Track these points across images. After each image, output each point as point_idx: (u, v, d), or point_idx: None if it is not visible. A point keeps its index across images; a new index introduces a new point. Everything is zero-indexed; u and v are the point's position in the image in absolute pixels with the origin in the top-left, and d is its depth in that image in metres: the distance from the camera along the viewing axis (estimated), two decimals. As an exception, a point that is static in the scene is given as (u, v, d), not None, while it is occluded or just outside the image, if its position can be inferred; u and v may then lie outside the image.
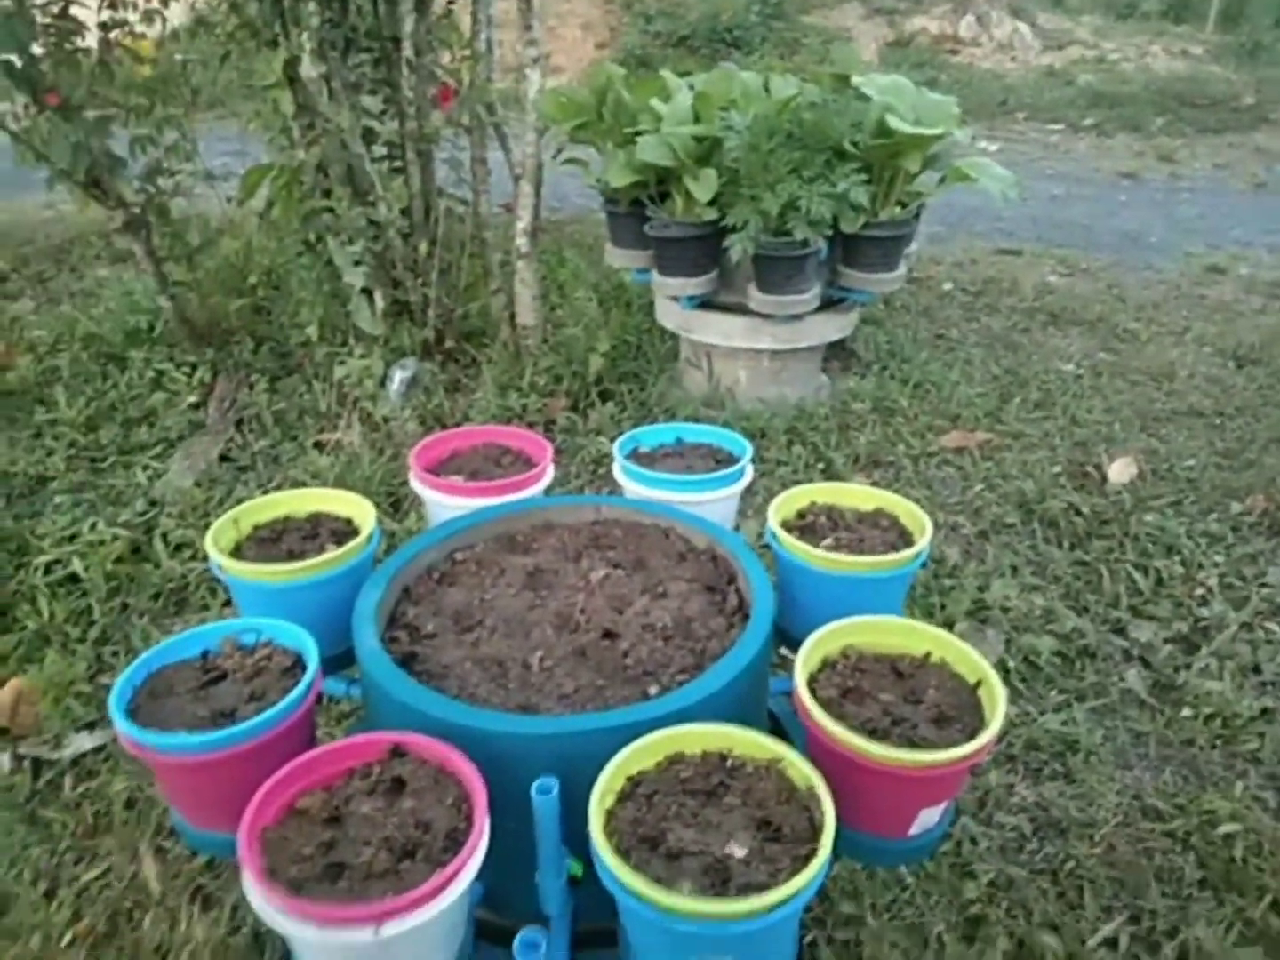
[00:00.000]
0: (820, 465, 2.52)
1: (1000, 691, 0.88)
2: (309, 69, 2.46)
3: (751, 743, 0.82)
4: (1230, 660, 1.87)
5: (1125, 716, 1.76)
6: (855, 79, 2.45)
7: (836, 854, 0.75)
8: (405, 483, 2.38)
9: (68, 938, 1.34)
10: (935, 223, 5.02)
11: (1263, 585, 2.09)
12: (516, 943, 0.72)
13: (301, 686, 0.86)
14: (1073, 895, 1.41)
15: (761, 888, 0.70)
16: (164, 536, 2.17)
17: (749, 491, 2.36)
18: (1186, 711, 1.76)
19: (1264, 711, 1.75)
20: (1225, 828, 1.50)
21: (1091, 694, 1.81)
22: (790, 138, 2.33)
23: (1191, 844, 1.49)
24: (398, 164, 2.80)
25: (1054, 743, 1.68)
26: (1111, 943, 1.34)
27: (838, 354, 3.17)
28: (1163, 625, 1.97)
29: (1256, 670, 1.86)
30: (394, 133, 2.70)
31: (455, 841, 0.73)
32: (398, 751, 0.80)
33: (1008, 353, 3.31)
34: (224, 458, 2.56)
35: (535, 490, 1.24)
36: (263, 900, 0.70)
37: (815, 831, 0.75)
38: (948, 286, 3.99)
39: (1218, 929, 1.35)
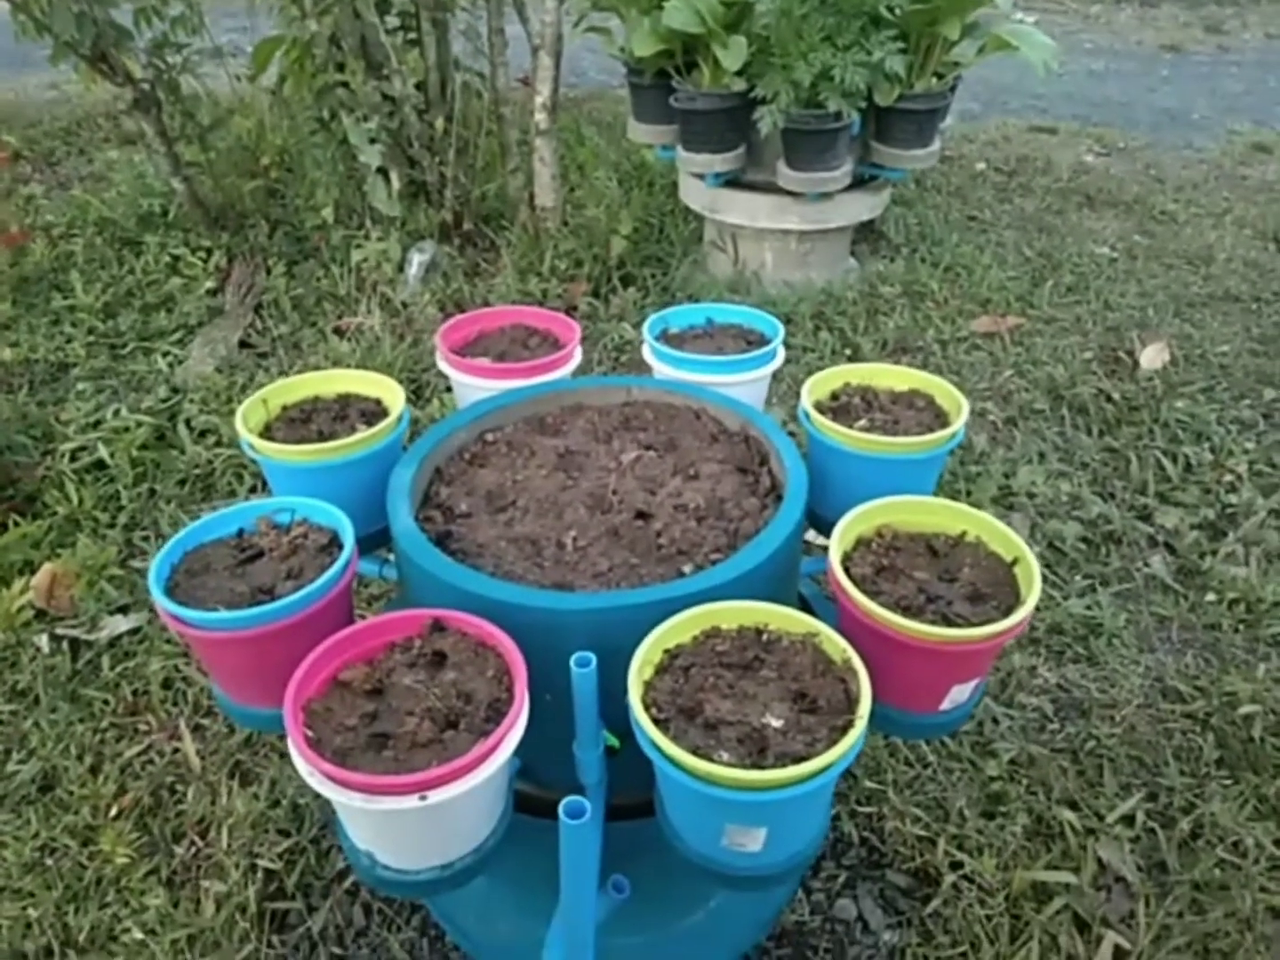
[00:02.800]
0: (847, 351, 2.48)
1: (1036, 569, 0.88)
2: (317, -68, 2.34)
3: (787, 617, 0.82)
4: (1256, 546, 1.87)
5: (1149, 601, 1.77)
6: (893, -62, 2.32)
7: (868, 727, 0.75)
8: (427, 369, 2.37)
9: (114, 810, 1.39)
10: (968, 100, 4.83)
11: (1293, 472, 2.07)
12: (563, 808, 0.73)
13: (340, 562, 0.86)
14: (1092, 773, 1.44)
15: (799, 758, 0.70)
16: (188, 422, 2.18)
17: (776, 378, 2.33)
18: (1210, 596, 1.77)
19: (1288, 597, 1.76)
20: (1245, 709, 1.52)
21: (1115, 579, 1.81)
22: (824, 3, 2.21)
23: (1211, 724, 1.51)
24: (412, 35, 2.70)
25: (1077, 626, 1.70)
26: (1129, 819, 1.37)
27: (866, 236, 3.09)
28: (1190, 512, 1.96)
29: (1283, 556, 1.86)
30: (409, 1, 2.58)
31: (497, 712, 0.74)
32: (438, 626, 0.81)
33: (1041, 235, 3.21)
34: (244, 344, 2.55)
35: (564, 372, 1.22)
36: (309, 769, 0.71)
37: (851, 703, 0.75)
38: (980, 166, 3.86)
39: (1232, 805, 1.38)
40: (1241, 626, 1.71)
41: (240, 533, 0.94)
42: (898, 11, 2.24)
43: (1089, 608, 1.72)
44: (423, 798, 0.68)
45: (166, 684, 1.59)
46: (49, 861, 1.32)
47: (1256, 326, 2.64)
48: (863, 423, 1.11)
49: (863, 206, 2.70)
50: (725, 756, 0.71)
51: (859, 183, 2.65)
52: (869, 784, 1.42)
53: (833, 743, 0.71)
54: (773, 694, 0.77)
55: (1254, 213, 3.39)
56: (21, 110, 4.66)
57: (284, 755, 1.45)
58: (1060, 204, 3.51)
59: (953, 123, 3.85)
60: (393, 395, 1.12)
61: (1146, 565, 1.84)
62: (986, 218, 3.36)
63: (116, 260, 2.88)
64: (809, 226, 2.66)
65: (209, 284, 2.74)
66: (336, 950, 1.23)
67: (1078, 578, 1.80)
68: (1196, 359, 2.48)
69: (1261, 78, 5.31)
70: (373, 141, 2.59)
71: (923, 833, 1.35)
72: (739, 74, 2.37)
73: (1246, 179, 3.77)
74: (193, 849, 1.34)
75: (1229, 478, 2.05)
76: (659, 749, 0.71)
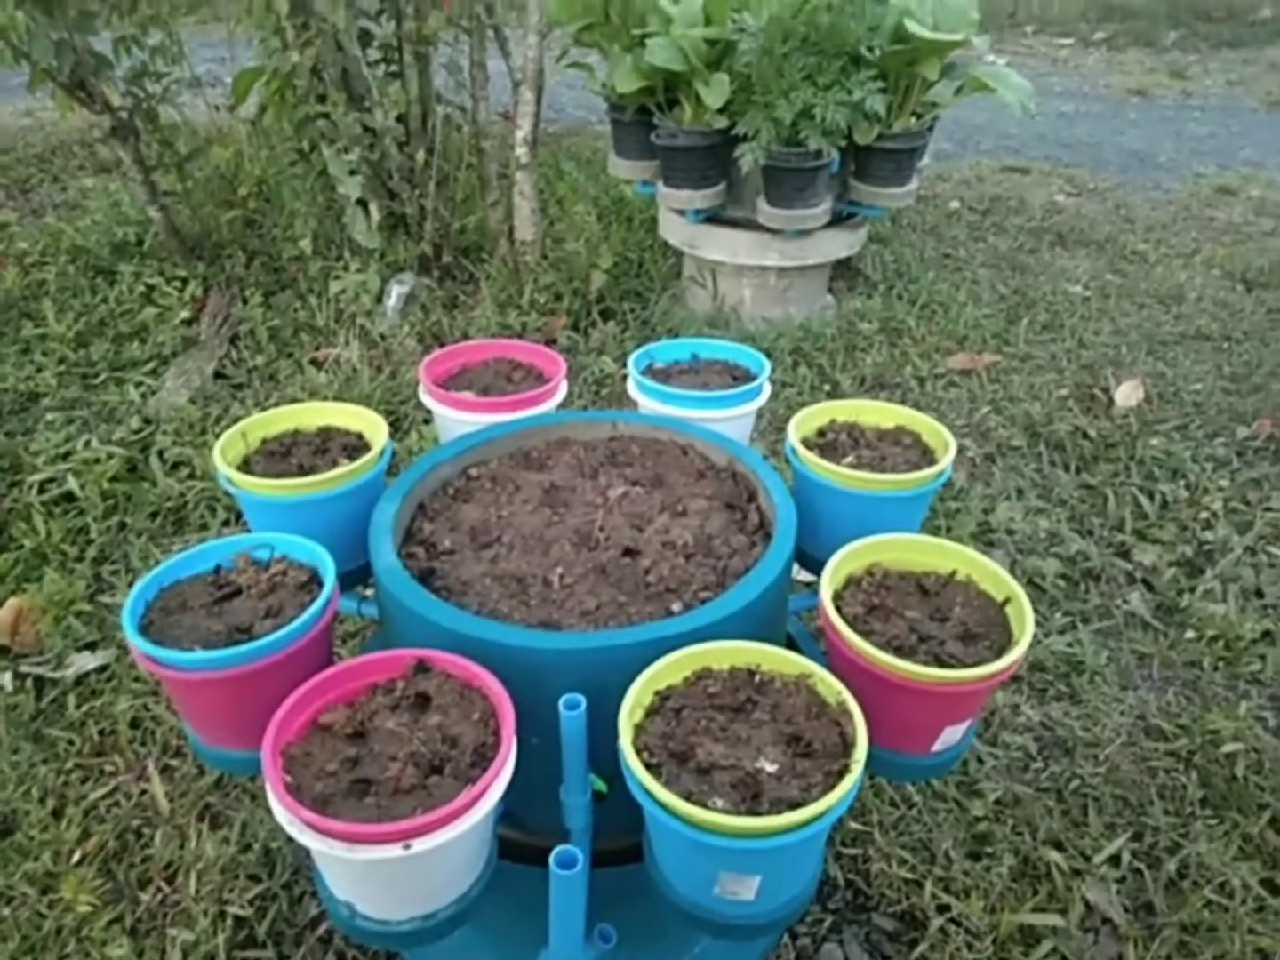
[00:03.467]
0: (826, 387, 2.49)
1: (1028, 608, 0.87)
2: (300, -35, 2.35)
3: (779, 658, 0.81)
4: (1234, 583, 1.87)
5: (1129, 638, 1.77)
6: (872, -19, 2.36)
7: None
8: (405, 401, 2.35)
9: (77, 856, 1.34)
10: (942, 140, 4.91)
11: (1267, 509, 2.08)
12: (554, 858, 0.71)
13: (320, 601, 0.84)
14: (1077, 813, 1.43)
15: (794, 803, 0.69)
16: (160, 454, 2.14)
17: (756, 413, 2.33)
18: (1190, 634, 1.77)
19: (1266, 634, 1.76)
20: (1227, 747, 1.51)
21: (1096, 616, 1.81)
22: (805, 42, 2.24)
23: (1194, 763, 1.51)
24: (394, 68, 2.70)
25: (1059, 664, 1.69)
26: (1115, 860, 1.36)
27: (844, 273, 3.11)
28: (1167, 549, 1.97)
29: (1259, 594, 1.87)
30: (391, 34, 2.59)
31: (483, 757, 0.72)
32: (422, 667, 0.79)
33: (1015, 273, 3.25)
34: (219, 375, 2.51)
35: (549, 406, 1.21)
36: (289, 817, 0.68)
37: (846, 747, 0.74)
38: (955, 205, 3.91)
39: (1218, 845, 1.37)
40: (1221, 664, 1.71)
41: (218, 569, 0.92)
42: (878, 52, 2.27)
43: (1070, 645, 1.72)
44: (406, 847, 0.66)
45: (135, 723, 1.54)
46: (5, 911, 1.27)
47: (1228, 365, 2.68)
48: (849, 459, 1.11)
49: (841, 244, 2.72)
50: (719, 803, 0.70)
51: (837, 220, 2.67)
52: (854, 825, 1.39)
53: (829, 788, 0.70)
54: (766, 737, 0.76)
55: (1222, 253, 3.45)
56: (-5, 137, 4.63)
57: (255, 797, 1.41)
58: (1033, 243, 3.56)
59: (928, 162, 3.91)
60: (375, 429, 1.11)
61: (1126, 602, 1.85)
62: (961, 256, 3.40)
63: (90, 289, 2.84)
64: (788, 263, 2.67)
65: (184, 314, 2.70)
66: (308, 1001, 1.19)
67: (1058, 615, 1.80)
68: (1170, 396, 2.51)
69: (1224, 122, 5.44)
70: (353, 173, 2.58)
71: (909, 875, 1.33)
72: (720, 111, 2.39)
73: (1213, 220, 3.85)
74: (159, 895, 1.29)
75: (1205, 515, 2.07)
76: (651, 795, 0.69)
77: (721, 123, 2.40)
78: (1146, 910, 1.30)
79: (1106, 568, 1.92)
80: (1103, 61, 7.11)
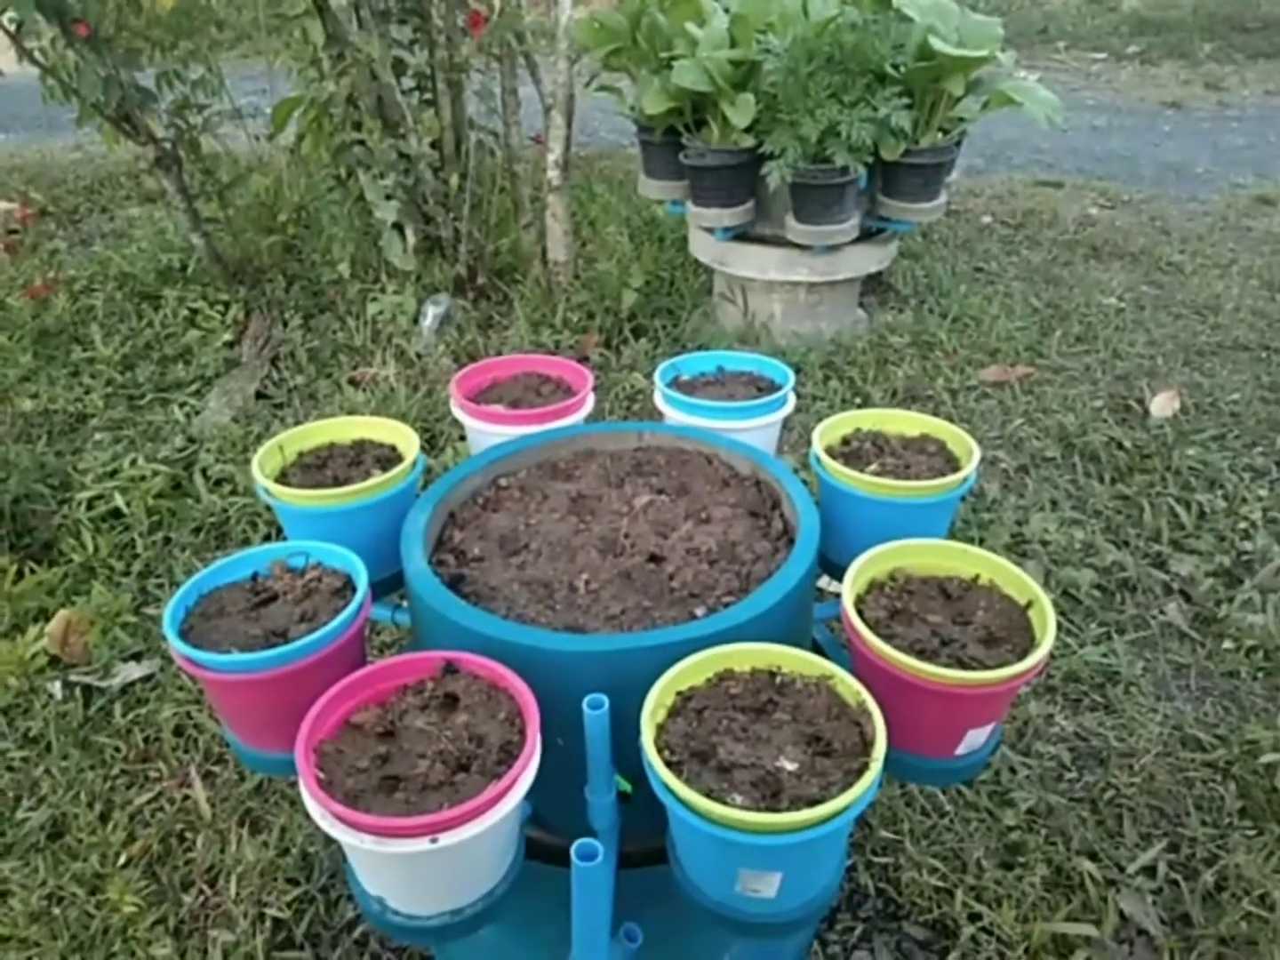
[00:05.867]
0: (857, 400, 2.50)
1: (1051, 612, 0.88)
2: (337, -3, 2.42)
3: (800, 660, 0.82)
4: (1273, 593, 1.85)
5: (1166, 649, 1.75)
6: (896, -1, 2.38)
7: (883, 771, 0.75)
8: (441, 418, 2.39)
9: (123, 858, 1.38)
10: (973, 155, 4.90)
11: (1308, 519, 2.06)
12: (575, 850, 0.72)
13: (353, 605, 0.86)
14: (1112, 823, 1.42)
15: (814, 801, 0.70)
16: (204, 472, 2.20)
17: (786, 426, 2.34)
18: (1228, 644, 1.75)
19: (1307, 645, 1.74)
20: (1267, 758, 1.49)
21: (1131, 627, 1.80)
22: (830, 61, 2.27)
23: (1232, 773, 1.49)
24: (428, 95, 2.77)
25: (1094, 674, 1.68)
26: (1150, 870, 1.35)
27: (874, 288, 3.12)
28: (1204, 559, 1.95)
29: (1300, 604, 1.84)
30: (424, 62, 2.66)
31: (509, 755, 0.74)
32: (450, 668, 0.81)
33: (1048, 286, 3.24)
34: (260, 395, 2.58)
35: (576, 418, 1.23)
36: (320, 811, 0.71)
37: (866, 746, 0.75)
38: (987, 219, 3.90)
39: (1257, 856, 1.35)
40: (1260, 674, 1.69)
41: (255, 576, 0.95)
42: (903, 69, 2.29)
43: (1105, 655, 1.71)
44: (434, 840, 0.68)
45: (178, 731, 1.59)
46: (56, 910, 1.31)
47: (1266, 375, 2.65)
48: (874, 467, 1.12)
49: (870, 259, 2.74)
50: (739, 799, 0.71)
51: (867, 235, 2.69)
52: (885, 834, 1.39)
53: (847, 786, 0.71)
54: (787, 737, 0.77)
55: (1259, 263, 3.41)
56: (48, 170, 4.78)
57: (294, 802, 1.44)
58: (1067, 256, 3.54)
59: (958, 177, 3.91)
60: (407, 441, 1.14)
61: (1162, 613, 1.83)
62: (993, 269, 3.39)
63: (136, 313, 2.93)
64: (818, 278, 2.69)
65: (226, 337, 2.78)
66: (344, 1004, 1.21)
67: (1093, 625, 1.79)
68: (1207, 407, 2.49)
69: (1262, 132, 5.37)
70: (389, 198, 2.64)
71: (940, 884, 1.32)
72: (747, 130, 2.42)
73: (1251, 230, 3.81)
74: (201, 898, 1.32)
75: (1243, 525, 2.04)
76: (672, 792, 0.70)
77: (748, 142, 2.43)
78: (1183, 922, 1.29)
79: (1143, 578, 1.91)
80: (1136, 75, 7.06)
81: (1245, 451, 2.29)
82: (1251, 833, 1.39)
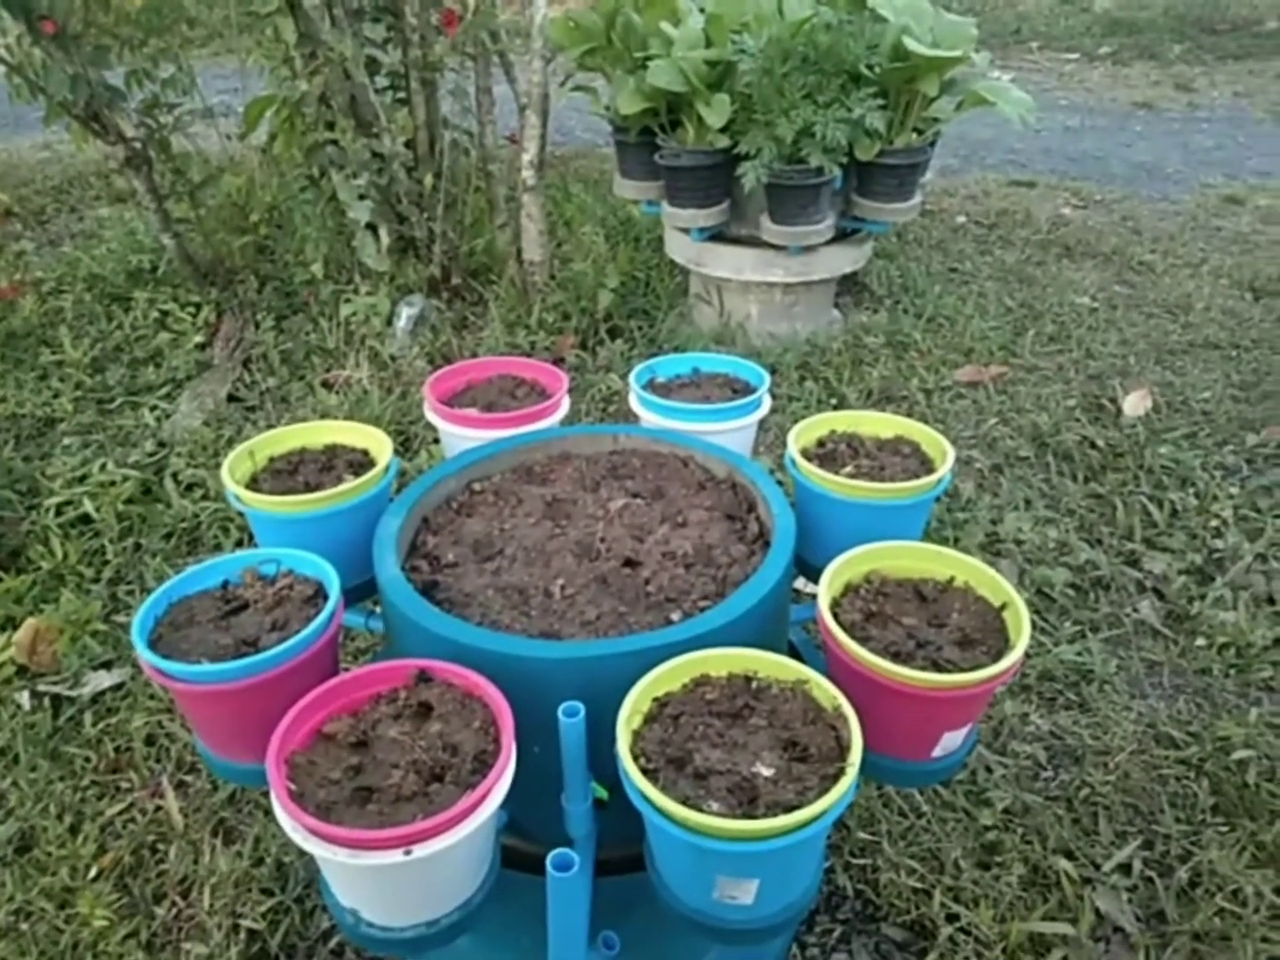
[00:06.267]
0: (833, 401, 2.50)
1: (1025, 614, 0.88)
2: (308, -5, 2.39)
3: (777, 665, 0.82)
4: (1244, 591, 1.87)
5: (1139, 647, 1.76)
6: None
7: (860, 775, 0.75)
8: (415, 421, 2.37)
9: (93, 871, 1.36)
10: (947, 155, 4.93)
11: (1277, 517, 2.08)
12: (550, 861, 0.72)
13: (325, 613, 0.85)
14: (1087, 821, 1.43)
15: (790, 806, 0.70)
16: (174, 476, 2.17)
17: (761, 427, 2.34)
18: (1200, 641, 1.76)
19: (1277, 641, 1.75)
20: (1239, 754, 1.51)
21: (1105, 625, 1.81)
22: (805, 61, 2.27)
23: (1205, 770, 1.50)
24: (401, 94, 2.75)
25: (1068, 673, 1.69)
26: (1125, 868, 1.36)
27: (850, 288, 3.13)
28: (1177, 557, 1.97)
29: (1270, 601, 1.86)
30: (398, 61, 2.64)
31: (483, 764, 0.73)
32: (423, 676, 0.80)
33: (1022, 286, 3.26)
34: (232, 397, 2.55)
35: (551, 421, 1.23)
36: (292, 824, 0.70)
37: (842, 751, 0.75)
38: (961, 219, 3.92)
39: (1230, 852, 1.36)
40: (1232, 671, 1.70)
41: (225, 584, 0.94)
42: (877, 69, 2.29)
43: (1079, 654, 1.72)
44: (407, 852, 0.67)
45: (149, 740, 1.57)
46: (24, 926, 1.29)
47: (1236, 373, 2.68)
48: (849, 469, 1.12)
49: (846, 259, 2.74)
50: (715, 806, 0.70)
51: (842, 236, 2.69)
52: (863, 835, 1.40)
53: (824, 791, 0.71)
54: (763, 742, 0.77)
55: (1229, 263, 3.45)
56: (14, 169, 4.71)
57: (268, 812, 1.42)
58: (1040, 255, 3.57)
59: (933, 177, 3.93)
60: (380, 446, 1.13)
61: (1135, 611, 1.84)
62: (968, 269, 3.41)
63: (105, 315, 2.89)
64: (793, 279, 2.69)
65: (197, 339, 2.75)
66: (320, 1014, 1.20)
67: (1067, 624, 1.80)
68: (1179, 405, 2.51)
69: (1231, 133, 5.44)
70: (362, 198, 2.62)
71: (918, 884, 1.33)
72: (722, 131, 2.42)
73: (1221, 230, 3.85)
74: (174, 910, 1.31)
75: (1215, 523, 2.06)
76: (648, 800, 0.70)
77: (724, 142, 2.43)
78: (1158, 919, 1.30)
79: (1116, 576, 1.92)
80: (1108, 76, 7.12)
81: (1216, 450, 2.31)
82: (1224, 829, 1.40)
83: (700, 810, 0.69)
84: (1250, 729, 1.54)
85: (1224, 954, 1.23)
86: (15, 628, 1.74)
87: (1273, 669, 1.69)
